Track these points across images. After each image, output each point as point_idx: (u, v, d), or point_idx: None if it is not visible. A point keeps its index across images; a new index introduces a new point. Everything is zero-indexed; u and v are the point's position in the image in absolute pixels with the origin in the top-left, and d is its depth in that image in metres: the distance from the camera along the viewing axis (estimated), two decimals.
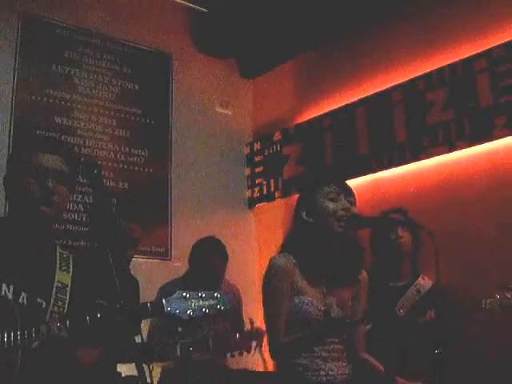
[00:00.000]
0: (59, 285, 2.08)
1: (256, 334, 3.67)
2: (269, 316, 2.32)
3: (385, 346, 2.53)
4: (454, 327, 2.89)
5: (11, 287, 1.99)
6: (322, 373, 2.25)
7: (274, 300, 2.28)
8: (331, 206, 2.28)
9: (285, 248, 2.37)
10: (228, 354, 3.72)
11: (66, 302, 2.07)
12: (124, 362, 3.05)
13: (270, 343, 2.31)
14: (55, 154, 2.08)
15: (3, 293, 1.97)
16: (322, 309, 2.27)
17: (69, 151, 2.22)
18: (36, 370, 1.89)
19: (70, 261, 2.18)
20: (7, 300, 1.95)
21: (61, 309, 2.04)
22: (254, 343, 3.67)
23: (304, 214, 2.34)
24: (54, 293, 2.06)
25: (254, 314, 3.85)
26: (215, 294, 1.91)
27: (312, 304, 2.26)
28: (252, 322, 3.75)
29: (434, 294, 3.19)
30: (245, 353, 3.73)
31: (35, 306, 2.01)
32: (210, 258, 3.75)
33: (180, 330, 3.08)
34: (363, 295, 2.43)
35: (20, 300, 1.99)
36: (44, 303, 2.02)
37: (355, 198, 2.35)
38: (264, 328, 2.51)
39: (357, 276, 2.40)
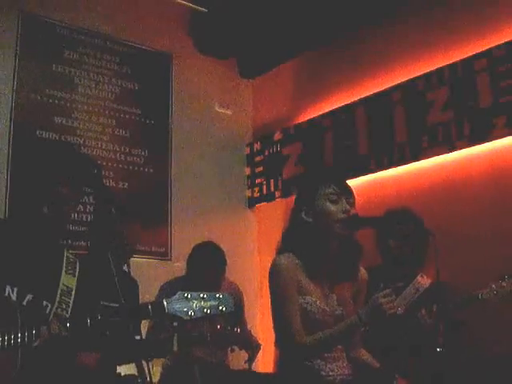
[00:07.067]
0: (64, 288, 2.09)
1: (253, 347, 3.67)
2: (283, 315, 2.23)
3: (383, 345, 2.52)
4: (452, 324, 2.89)
5: (15, 289, 1.99)
6: (323, 373, 2.24)
7: (286, 298, 2.23)
8: (332, 208, 2.26)
9: (285, 248, 2.36)
10: (228, 349, 3.74)
11: (70, 305, 2.07)
12: (123, 363, 3.04)
13: (286, 343, 2.25)
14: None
15: (7, 294, 1.97)
16: (326, 308, 2.27)
17: (69, 155, 2.22)
18: (36, 370, 1.89)
19: (77, 265, 2.18)
20: (10, 301, 1.96)
21: (64, 312, 2.04)
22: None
23: (303, 214, 2.32)
24: (58, 296, 2.06)
25: (254, 313, 3.87)
26: (217, 295, 1.88)
27: (315, 304, 2.25)
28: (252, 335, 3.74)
29: (433, 292, 3.18)
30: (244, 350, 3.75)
31: (39, 308, 2.01)
32: (208, 271, 3.68)
33: (175, 324, 3.07)
34: (363, 293, 2.42)
35: (25, 302, 1.99)
36: (49, 305, 2.03)
37: (355, 199, 2.34)
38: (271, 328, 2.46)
39: (356, 273, 2.39)
